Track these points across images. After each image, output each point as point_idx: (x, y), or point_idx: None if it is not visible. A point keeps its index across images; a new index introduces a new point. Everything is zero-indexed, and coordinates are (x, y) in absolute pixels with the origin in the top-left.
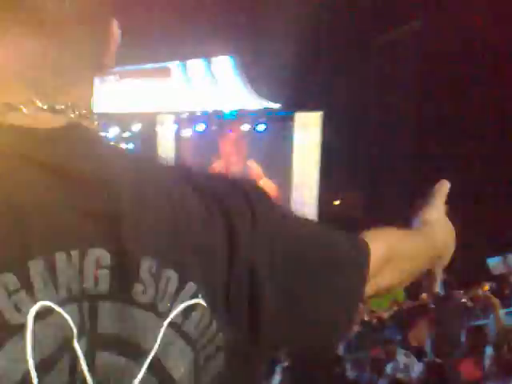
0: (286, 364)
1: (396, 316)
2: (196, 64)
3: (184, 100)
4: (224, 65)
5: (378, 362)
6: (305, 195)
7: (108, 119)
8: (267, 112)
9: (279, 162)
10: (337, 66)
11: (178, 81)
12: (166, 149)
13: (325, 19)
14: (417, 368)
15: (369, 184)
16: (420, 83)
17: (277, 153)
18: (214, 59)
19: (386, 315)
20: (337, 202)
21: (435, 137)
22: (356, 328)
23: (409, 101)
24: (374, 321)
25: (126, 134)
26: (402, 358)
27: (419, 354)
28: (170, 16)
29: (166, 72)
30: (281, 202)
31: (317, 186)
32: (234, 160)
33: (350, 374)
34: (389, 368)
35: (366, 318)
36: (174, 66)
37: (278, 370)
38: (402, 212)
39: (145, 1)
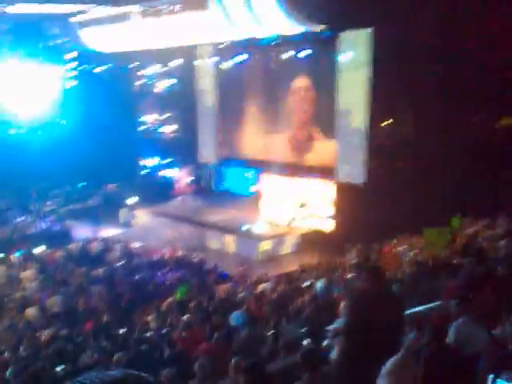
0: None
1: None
2: None
3: (222, 31)
4: None
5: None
6: (351, 120)
7: (147, 56)
8: (309, 35)
9: (325, 86)
10: None
11: (215, 12)
12: (206, 81)
13: None
14: (482, 336)
15: (420, 104)
16: None
17: (321, 78)
18: None
19: (442, 255)
20: (387, 123)
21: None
22: (410, 269)
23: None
24: (430, 262)
25: (165, 69)
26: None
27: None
28: None
29: (202, 4)
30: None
31: (366, 109)
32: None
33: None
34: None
35: (419, 259)
36: None
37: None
38: (453, 130)
39: None
